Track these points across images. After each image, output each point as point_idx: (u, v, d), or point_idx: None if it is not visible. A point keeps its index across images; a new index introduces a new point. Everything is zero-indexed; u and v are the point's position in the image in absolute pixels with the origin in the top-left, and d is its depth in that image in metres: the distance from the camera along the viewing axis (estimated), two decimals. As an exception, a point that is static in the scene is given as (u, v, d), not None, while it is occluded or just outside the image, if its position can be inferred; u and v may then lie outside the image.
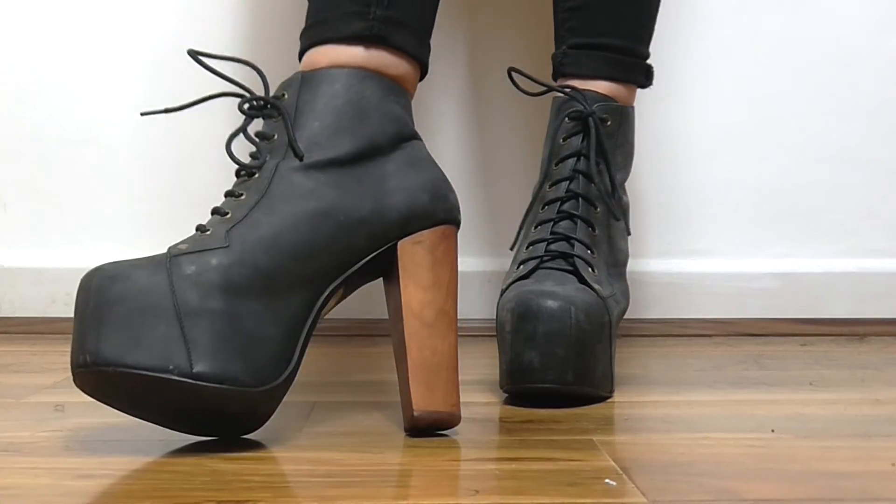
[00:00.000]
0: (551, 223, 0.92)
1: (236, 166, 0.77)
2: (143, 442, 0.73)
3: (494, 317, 0.90)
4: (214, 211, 0.76)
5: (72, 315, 1.14)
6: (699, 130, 1.30)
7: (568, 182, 0.93)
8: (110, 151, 1.26)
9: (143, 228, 1.26)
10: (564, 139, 0.94)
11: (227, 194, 0.76)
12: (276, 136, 0.76)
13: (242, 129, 0.77)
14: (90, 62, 1.25)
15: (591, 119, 0.93)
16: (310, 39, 0.81)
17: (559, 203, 0.93)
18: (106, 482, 0.64)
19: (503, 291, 0.90)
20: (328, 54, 0.79)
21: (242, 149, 0.77)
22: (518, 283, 0.90)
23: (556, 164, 0.94)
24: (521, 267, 0.91)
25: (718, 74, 1.29)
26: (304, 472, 0.66)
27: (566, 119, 0.94)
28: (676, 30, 1.27)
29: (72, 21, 1.25)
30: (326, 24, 0.80)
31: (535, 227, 0.93)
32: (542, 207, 0.94)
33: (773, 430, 0.78)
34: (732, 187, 1.30)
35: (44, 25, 1.25)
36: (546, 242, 0.92)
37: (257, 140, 0.77)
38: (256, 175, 0.75)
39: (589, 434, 0.76)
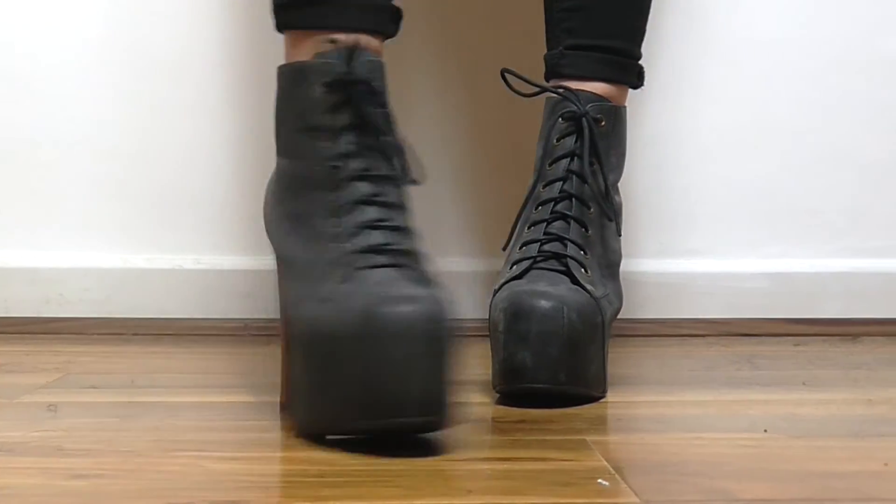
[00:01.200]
0: (544, 223, 0.92)
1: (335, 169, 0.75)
2: (136, 442, 0.72)
3: (487, 317, 0.90)
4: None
5: (65, 314, 1.15)
6: (693, 130, 1.30)
7: (561, 182, 0.93)
8: (105, 152, 1.26)
9: (137, 229, 1.26)
10: (558, 139, 0.94)
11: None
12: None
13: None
14: (86, 63, 1.25)
15: (584, 119, 0.93)
16: (341, 22, 0.77)
17: (553, 203, 0.93)
18: (99, 482, 0.64)
19: (495, 291, 0.90)
20: (369, 45, 0.78)
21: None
22: (511, 283, 0.90)
23: (550, 165, 0.94)
24: (514, 267, 0.91)
25: (712, 75, 1.29)
26: (297, 472, 0.66)
27: (559, 119, 0.94)
28: (672, 30, 1.27)
29: (68, 22, 1.25)
30: (362, 13, 0.78)
31: (529, 228, 0.94)
32: (536, 208, 0.94)
33: (765, 430, 0.78)
34: (726, 187, 1.30)
35: (39, 26, 1.25)
36: (539, 243, 0.92)
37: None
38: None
39: (582, 434, 0.76)
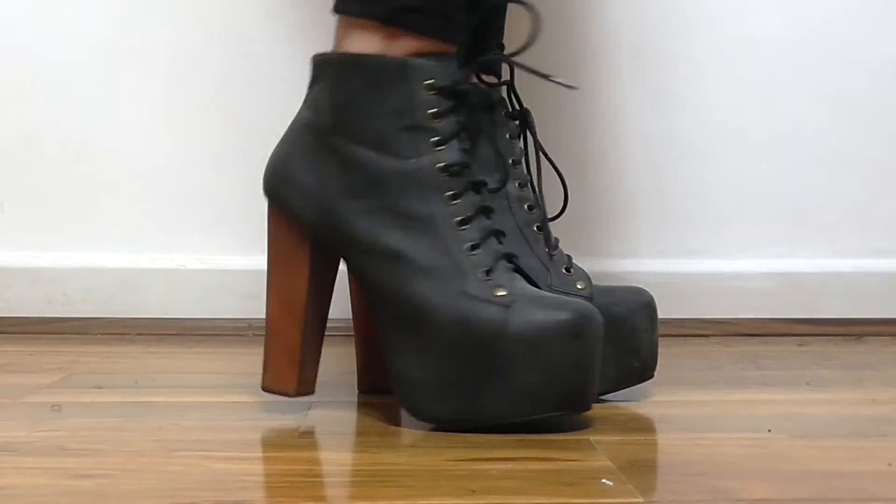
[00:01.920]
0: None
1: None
2: (139, 442, 0.73)
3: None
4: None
5: (69, 315, 1.14)
6: (696, 130, 1.30)
7: (529, 184, 0.92)
8: (108, 153, 1.26)
9: (140, 230, 1.26)
10: (511, 137, 0.91)
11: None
12: None
13: None
14: (89, 63, 1.25)
15: (529, 119, 0.91)
16: (448, 35, 0.80)
17: (538, 208, 0.91)
18: (102, 482, 0.64)
19: None
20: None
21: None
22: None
23: (515, 165, 0.91)
24: None
25: (716, 74, 1.29)
26: (301, 472, 0.66)
27: (503, 115, 0.91)
28: (675, 30, 1.27)
29: (72, 22, 1.25)
30: (456, 28, 0.80)
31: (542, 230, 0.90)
32: (531, 210, 0.91)
33: (769, 430, 0.78)
34: (730, 187, 1.30)
35: (43, 26, 1.25)
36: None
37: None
38: None
39: (586, 434, 0.76)
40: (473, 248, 0.77)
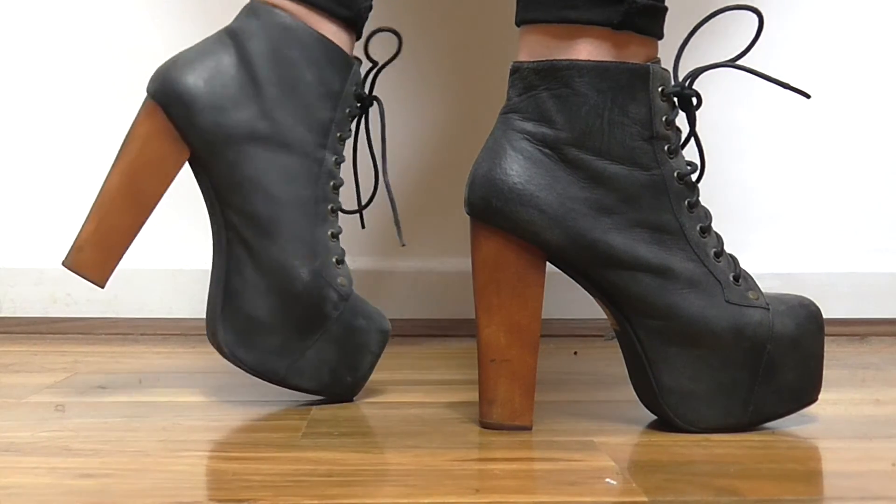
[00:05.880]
0: None
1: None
2: (143, 442, 0.73)
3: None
4: None
5: (72, 315, 1.14)
6: (700, 130, 1.29)
7: None
8: (112, 153, 1.26)
9: (144, 228, 1.26)
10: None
11: None
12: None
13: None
14: (93, 62, 1.25)
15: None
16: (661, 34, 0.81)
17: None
18: (106, 482, 0.64)
19: None
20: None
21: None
22: None
23: None
24: None
25: (717, 73, 1.29)
26: (304, 471, 0.66)
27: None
28: (675, 29, 1.27)
29: (75, 20, 1.25)
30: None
31: None
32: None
33: (773, 430, 0.78)
34: (732, 186, 1.30)
35: (46, 25, 1.25)
36: None
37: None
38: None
39: (589, 435, 0.76)
40: (717, 255, 0.78)
